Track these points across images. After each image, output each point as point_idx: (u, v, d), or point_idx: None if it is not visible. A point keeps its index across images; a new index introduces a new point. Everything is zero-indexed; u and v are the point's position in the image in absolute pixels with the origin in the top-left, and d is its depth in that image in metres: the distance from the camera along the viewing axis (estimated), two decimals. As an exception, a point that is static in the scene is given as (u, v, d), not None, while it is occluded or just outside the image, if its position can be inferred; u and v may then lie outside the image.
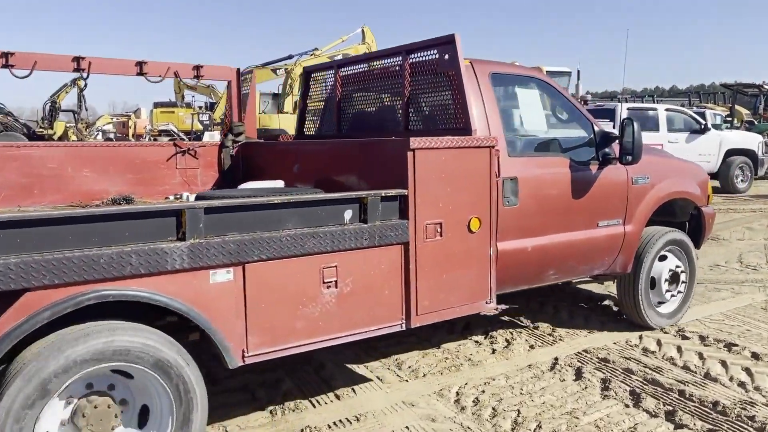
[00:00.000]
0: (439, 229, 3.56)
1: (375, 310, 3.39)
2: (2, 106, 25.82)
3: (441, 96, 4.10)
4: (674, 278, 5.27)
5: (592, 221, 4.65)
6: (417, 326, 3.54)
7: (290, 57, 20.12)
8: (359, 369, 4.43)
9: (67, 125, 24.97)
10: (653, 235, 5.12)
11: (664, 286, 5.19)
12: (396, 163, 3.47)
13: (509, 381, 4.23)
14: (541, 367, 4.46)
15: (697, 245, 5.61)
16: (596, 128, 4.64)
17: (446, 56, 3.99)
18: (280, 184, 4.28)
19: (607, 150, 4.71)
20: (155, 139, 29.05)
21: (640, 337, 5.04)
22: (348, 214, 3.27)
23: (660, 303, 5.27)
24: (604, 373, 4.33)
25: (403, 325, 3.51)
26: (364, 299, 3.34)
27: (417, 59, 4.25)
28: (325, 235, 3.14)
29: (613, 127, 14.11)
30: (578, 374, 4.32)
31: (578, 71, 21.95)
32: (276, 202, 3.02)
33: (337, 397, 3.98)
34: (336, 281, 3.23)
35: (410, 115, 4.33)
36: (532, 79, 4.54)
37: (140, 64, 4.53)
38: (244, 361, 3.00)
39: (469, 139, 3.66)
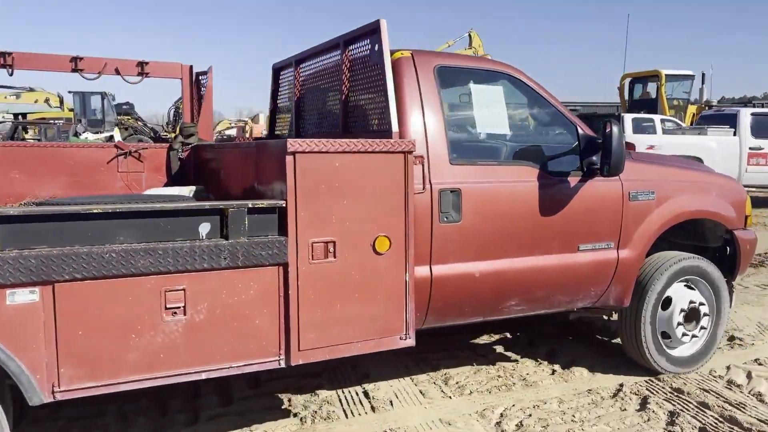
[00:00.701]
0: (331, 249, 2.97)
1: (241, 343, 2.85)
2: (133, 111, 27.50)
3: (371, 92, 3.50)
4: (692, 315, 4.34)
5: (571, 244, 3.86)
6: (299, 364, 2.97)
7: None
8: (403, 381, 4.25)
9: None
10: (663, 263, 4.23)
11: (678, 325, 4.27)
12: (275, 169, 2.93)
13: (562, 406, 3.88)
14: (602, 393, 4.07)
15: (731, 275, 4.62)
16: (582, 133, 3.85)
17: (375, 47, 3.39)
18: (185, 191, 3.84)
19: (594, 159, 3.91)
20: None
21: (728, 368, 4.46)
22: (204, 228, 2.76)
23: (673, 345, 4.35)
24: (673, 404, 3.89)
25: (282, 362, 2.95)
26: (225, 330, 2.81)
27: (354, 51, 3.68)
28: (165, 252, 2.65)
29: (734, 134, 12.70)
30: (643, 404, 3.90)
31: (703, 74, 20.23)
32: (96, 211, 2.56)
33: (373, 409, 3.84)
34: (184, 307, 2.72)
35: (348, 115, 3.76)
36: (496, 75, 3.82)
37: (75, 59, 4.25)
38: (54, 397, 2.55)
39: (375, 142, 3.04)
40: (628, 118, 13.55)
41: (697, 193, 4.32)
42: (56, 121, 25.82)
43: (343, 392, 4.06)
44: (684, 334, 4.30)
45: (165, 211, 2.71)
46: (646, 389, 4.11)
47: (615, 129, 3.59)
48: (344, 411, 3.79)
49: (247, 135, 32.30)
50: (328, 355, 3.03)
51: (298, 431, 3.57)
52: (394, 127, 3.20)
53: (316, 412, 3.75)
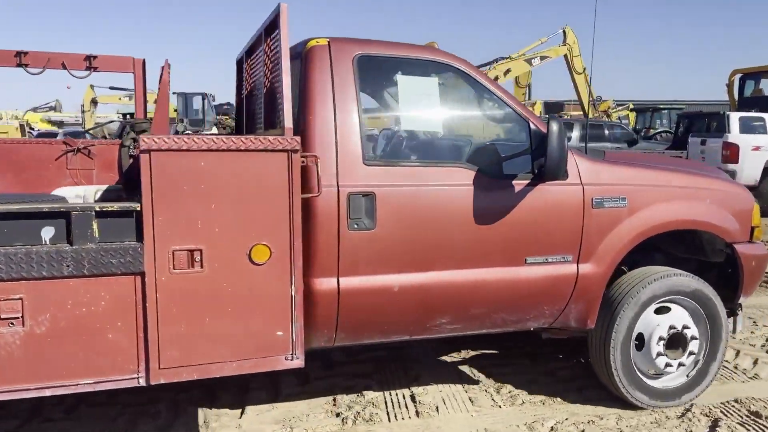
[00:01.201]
0: (198, 258, 2.68)
1: (93, 359, 2.62)
2: (232, 111, 28.59)
3: (278, 85, 3.18)
4: (676, 341, 3.74)
5: (516, 256, 3.39)
6: (162, 383, 2.70)
7: (496, 61, 19.54)
8: (454, 387, 4.06)
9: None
10: (641, 279, 3.67)
11: (658, 352, 3.69)
12: (132, 168, 2.67)
13: (620, 423, 3.60)
14: (668, 413, 3.72)
15: (731, 297, 3.98)
16: (535, 130, 3.36)
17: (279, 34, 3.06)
18: (91, 191, 3.64)
19: (550, 163, 3.41)
20: None
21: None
22: (47, 233, 2.54)
23: (656, 375, 3.77)
24: (747, 430, 3.49)
25: (142, 380, 2.69)
26: (72, 344, 2.58)
27: (272, 40, 3.36)
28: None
29: None
30: (713, 427, 3.53)
31: None
32: None
33: (418, 414, 3.70)
34: (22, 318, 2.51)
35: (268, 110, 3.45)
36: (430, 64, 3.39)
37: (20, 54, 4.17)
38: None
39: (250, 140, 2.72)
40: (735, 116, 12.44)
41: (683, 199, 3.71)
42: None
43: (390, 394, 3.93)
44: (668, 364, 3.70)
45: (2, 213, 2.50)
46: (721, 411, 3.70)
47: (554, 127, 3.09)
48: (388, 414, 3.68)
49: None
50: (197, 374, 2.75)
51: (339, 431, 3.48)
52: (286, 123, 2.87)
53: (359, 413, 3.64)
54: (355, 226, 3.09)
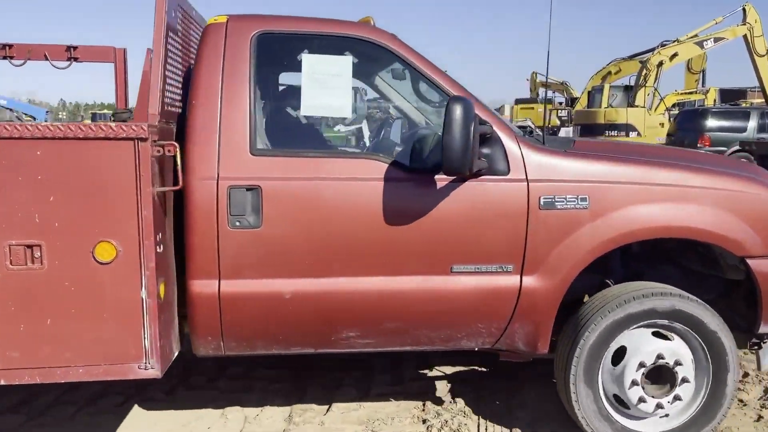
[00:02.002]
0: (37, 254, 2.51)
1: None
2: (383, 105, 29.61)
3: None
4: (659, 376, 3.02)
5: (439, 264, 2.89)
6: (2, 384, 2.57)
7: (662, 45, 18.50)
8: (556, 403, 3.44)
9: None
10: (616, 298, 3.00)
11: (633, 384, 2.99)
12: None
13: None
14: None
15: (748, 324, 3.17)
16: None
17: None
18: None
19: (487, 152, 2.87)
20: None
21: None
22: None
23: (634, 414, 3.07)
24: None
25: (-13, 379, 2.57)
26: None
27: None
28: None
29: None
30: None
31: None
32: None
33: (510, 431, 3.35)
34: None
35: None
36: (346, 41, 2.95)
37: (5, 46, 4.27)
38: None
39: (90, 126, 2.49)
40: None
41: (670, 201, 2.96)
42: None
43: (485, 405, 3.61)
44: (641, 400, 2.99)
45: None
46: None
47: (455, 111, 2.53)
48: (478, 427, 3.37)
49: None
50: (40, 378, 2.58)
51: (421, 437, 3.26)
52: (150, 109, 2.62)
53: (447, 421, 3.38)
54: (237, 223, 2.76)
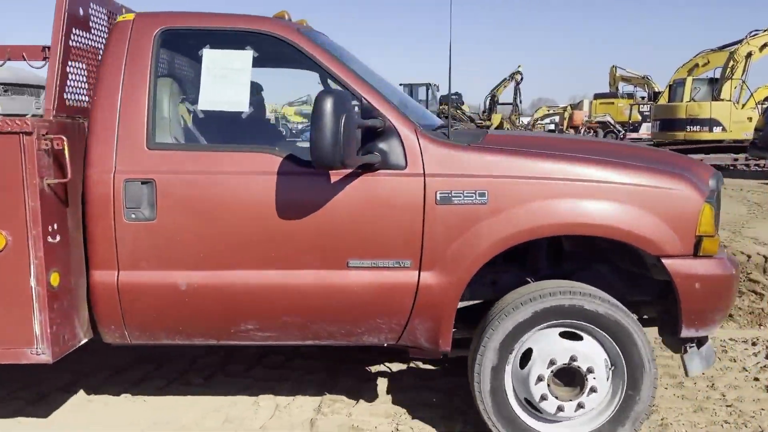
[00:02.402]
0: (-66, 243, 2.66)
1: None
2: (460, 101, 29.86)
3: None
4: (570, 378, 2.91)
5: (335, 258, 2.87)
6: None
7: (751, 34, 17.55)
8: None
9: (504, 118, 27.84)
10: (522, 296, 2.91)
11: (539, 389, 2.89)
12: None
13: None
14: None
15: (671, 327, 3.00)
16: (373, 113, 2.82)
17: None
18: None
19: (383, 147, 2.83)
20: (590, 131, 30.73)
21: None
22: None
23: (547, 418, 2.96)
24: None
25: None
26: None
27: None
28: None
29: None
30: None
31: None
32: None
33: None
34: None
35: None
36: (248, 36, 2.95)
37: (-7, 49, 4.49)
38: None
39: (-24, 121, 2.61)
40: None
41: (576, 196, 2.82)
42: None
43: None
44: (544, 398, 2.87)
45: None
46: None
47: (322, 104, 2.48)
48: None
49: (566, 122, 32.52)
50: (-61, 359, 2.73)
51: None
52: (46, 104, 2.73)
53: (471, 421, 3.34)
54: (133, 216, 2.83)
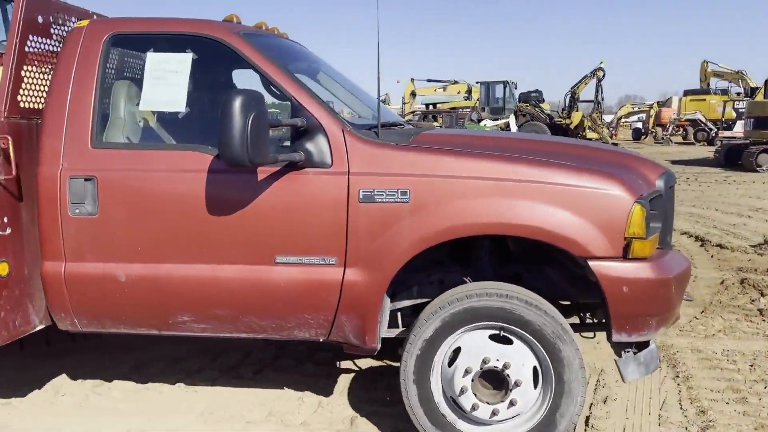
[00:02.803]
0: None
1: None
2: (540, 98, 29.81)
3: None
4: (497, 381, 2.88)
5: (263, 254, 2.95)
6: None
7: None
8: (644, 416, 3.40)
9: (585, 116, 27.62)
10: (450, 297, 2.91)
11: (462, 392, 2.88)
12: None
13: None
14: None
15: (604, 330, 2.92)
16: (302, 114, 2.90)
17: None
18: None
19: (310, 145, 2.90)
20: (680, 129, 29.93)
21: None
22: None
23: (475, 421, 2.94)
24: None
25: None
26: None
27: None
28: None
29: None
30: None
31: None
32: None
33: None
34: None
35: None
36: (187, 39, 3.08)
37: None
38: None
39: None
40: None
41: (499, 196, 2.79)
42: (462, 110, 28.43)
43: None
44: (474, 407, 2.86)
45: None
46: None
47: (228, 105, 2.54)
48: None
49: (652, 120, 31.85)
50: None
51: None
52: (1, 106, 2.94)
53: None
54: (77, 211, 3.01)
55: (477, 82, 32.38)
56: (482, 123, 25.34)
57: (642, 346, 3.01)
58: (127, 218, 3.00)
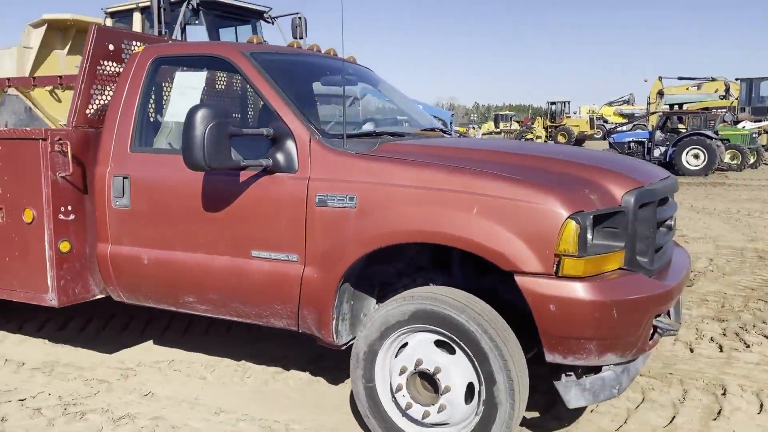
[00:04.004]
0: (1, 214, 3.84)
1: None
2: None
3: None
4: (424, 381, 2.95)
5: (242, 248, 3.34)
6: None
7: None
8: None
9: None
10: (398, 299, 3.04)
11: (398, 389, 2.98)
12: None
13: None
14: None
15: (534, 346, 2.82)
16: (281, 126, 3.26)
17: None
18: None
19: (281, 152, 3.24)
20: None
21: None
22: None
23: (418, 421, 3.02)
24: None
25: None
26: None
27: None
28: None
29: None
30: None
31: None
32: None
33: None
34: None
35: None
36: (204, 60, 3.57)
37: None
38: None
39: (17, 131, 3.70)
40: None
41: (436, 206, 2.82)
42: (715, 110, 25.40)
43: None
44: (408, 405, 2.94)
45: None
46: None
47: (189, 117, 2.92)
48: None
49: None
50: (3, 295, 3.92)
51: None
52: (71, 117, 3.74)
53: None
54: (117, 203, 3.69)
55: (737, 79, 29.11)
56: (740, 125, 22.54)
57: (593, 371, 2.83)
58: (147, 211, 3.60)
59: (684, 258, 3.49)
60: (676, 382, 3.86)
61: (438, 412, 2.88)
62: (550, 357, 2.74)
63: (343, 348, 3.30)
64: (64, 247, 3.72)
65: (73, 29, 8.18)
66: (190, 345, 4.60)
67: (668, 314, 3.13)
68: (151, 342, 4.69)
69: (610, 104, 46.42)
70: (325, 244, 3.10)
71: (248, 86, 3.59)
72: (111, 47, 3.94)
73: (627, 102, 46.75)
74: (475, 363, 2.81)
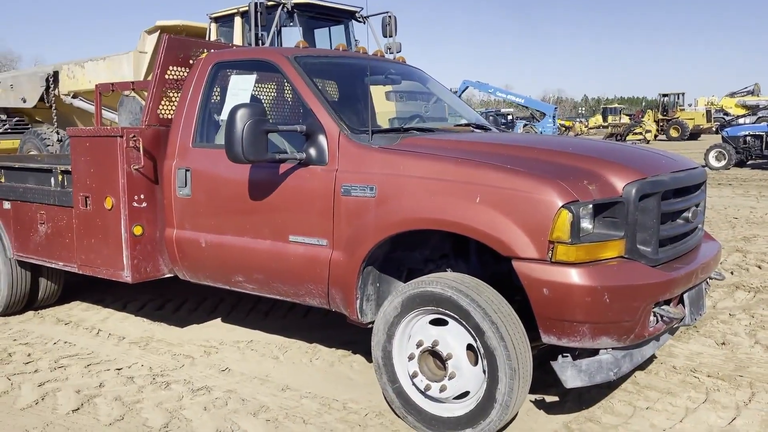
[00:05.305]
0: (88, 201, 4.43)
1: (58, 252, 4.73)
2: None
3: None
4: (433, 359, 3.19)
5: (282, 233, 3.71)
6: (83, 274, 4.58)
7: None
8: None
9: None
10: (390, 297, 3.33)
11: (410, 359, 3.23)
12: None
13: None
14: None
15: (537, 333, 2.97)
16: (316, 122, 3.60)
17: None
18: None
19: (314, 146, 3.58)
20: None
21: None
22: (52, 180, 4.77)
23: (432, 397, 3.25)
24: None
25: (77, 269, 4.63)
26: (55, 240, 4.76)
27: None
28: (35, 190, 4.83)
29: None
30: None
31: None
32: (15, 166, 4.99)
33: None
34: (44, 222, 4.84)
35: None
36: (254, 63, 3.94)
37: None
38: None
39: (102, 129, 4.27)
40: None
41: (443, 195, 3.04)
42: None
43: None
44: (428, 387, 3.14)
45: (37, 168, 4.87)
46: None
47: (229, 116, 3.29)
48: None
49: None
50: (90, 272, 4.52)
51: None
52: (144, 117, 4.27)
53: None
54: (181, 192, 4.17)
55: None
56: None
57: (589, 353, 2.95)
58: (204, 199, 4.04)
59: (709, 250, 3.50)
60: (744, 385, 3.78)
61: (449, 379, 3.07)
62: (545, 338, 2.90)
63: (369, 326, 3.58)
64: (138, 230, 4.25)
65: (183, 34, 8.92)
66: (270, 327, 5.02)
67: (681, 303, 3.18)
68: (235, 323, 5.17)
69: (731, 95, 43.55)
70: (349, 230, 3.40)
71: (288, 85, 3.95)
72: (181, 55, 4.43)
73: (751, 93, 43.61)
74: (463, 323, 3.00)
